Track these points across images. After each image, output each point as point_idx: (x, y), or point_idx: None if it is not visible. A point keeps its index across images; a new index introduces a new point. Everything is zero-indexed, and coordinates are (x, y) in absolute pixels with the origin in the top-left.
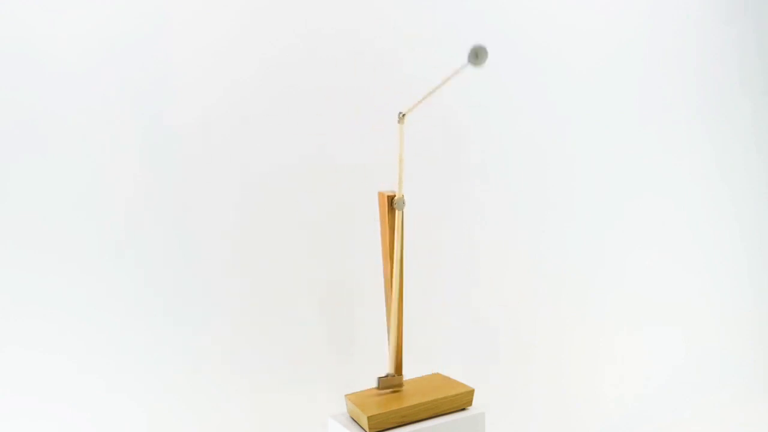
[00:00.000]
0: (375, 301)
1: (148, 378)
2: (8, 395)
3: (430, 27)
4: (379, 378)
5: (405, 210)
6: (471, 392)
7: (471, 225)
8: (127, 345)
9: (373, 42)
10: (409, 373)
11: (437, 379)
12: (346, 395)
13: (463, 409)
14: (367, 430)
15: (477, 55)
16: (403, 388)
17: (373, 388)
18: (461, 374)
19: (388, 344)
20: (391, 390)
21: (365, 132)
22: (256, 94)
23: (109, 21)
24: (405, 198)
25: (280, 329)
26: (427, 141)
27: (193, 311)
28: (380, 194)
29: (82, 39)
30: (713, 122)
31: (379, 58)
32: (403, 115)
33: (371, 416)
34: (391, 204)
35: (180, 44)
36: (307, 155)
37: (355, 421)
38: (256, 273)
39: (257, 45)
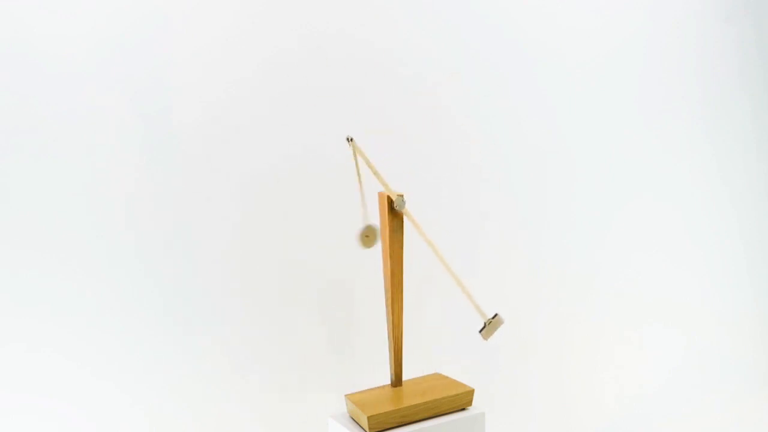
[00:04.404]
0: (375, 301)
1: (147, 378)
2: (8, 394)
3: (430, 27)
4: (481, 328)
5: (406, 208)
6: (471, 392)
7: (471, 225)
8: (127, 345)
9: (373, 42)
10: (409, 373)
11: (437, 379)
12: (346, 395)
13: (463, 409)
14: (367, 430)
15: (368, 236)
16: (403, 388)
17: (373, 388)
18: (461, 374)
19: (389, 344)
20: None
21: (365, 132)
22: (256, 93)
23: (109, 21)
24: (404, 198)
25: (280, 329)
26: (427, 141)
27: (193, 311)
28: (380, 194)
29: (82, 39)
30: (713, 122)
31: (378, 58)
32: (351, 139)
33: (371, 416)
34: (391, 204)
35: (180, 44)
36: (307, 155)
37: (355, 421)
38: (256, 273)
39: (257, 45)
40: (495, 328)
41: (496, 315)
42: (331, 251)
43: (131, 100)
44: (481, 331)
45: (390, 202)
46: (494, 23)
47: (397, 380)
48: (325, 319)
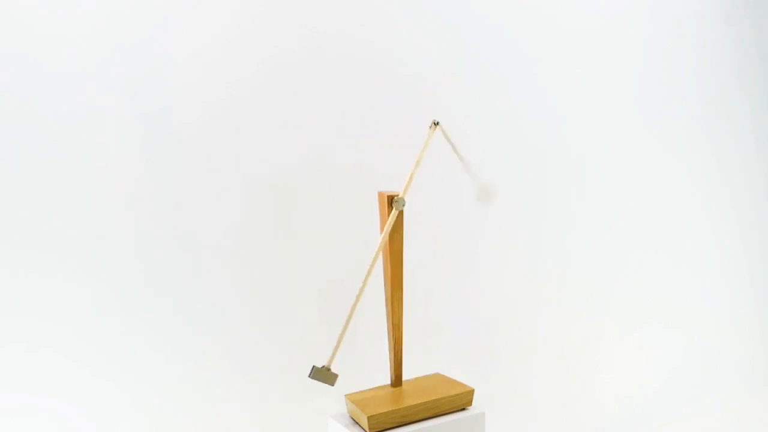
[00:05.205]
0: (375, 301)
1: (147, 378)
2: (8, 394)
3: (430, 27)
4: (314, 367)
5: (405, 210)
6: (471, 392)
7: (471, 225)
8: (127, 345)
9: (373, 42)
10: (409, 373)
11: (437, 379)
12: (346, 395)
13: (463, 409)
14: (367, 430)
15: (488, 196)
16: (403, 387)
17: (373, 388)
18: (461, 374)
19: (389, 344)
20: (321, 379)
21: (365, 132)
22: (256, 93)
23: (109, 21)
24: (405, 198)
25: (280, 329)
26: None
27: (193, 311)
28: (380, 194)
29: (82, 39)
30: (713, 122)
31: (378, 58)
32: (437, 123)
33: (371, 416)
34: (391, 204)
35: (180, 44)
36: (307, 155)
37: (355, 421)
38: (256, 273)
39: (257, 45)
40: (323, 380)
41: (334, 374)
42: (331, 251)
43: (131, 100)
44: (315, 368)
45: (390, 201)
46: (494, 23)
47: (397, 380)
48: (325, 319)
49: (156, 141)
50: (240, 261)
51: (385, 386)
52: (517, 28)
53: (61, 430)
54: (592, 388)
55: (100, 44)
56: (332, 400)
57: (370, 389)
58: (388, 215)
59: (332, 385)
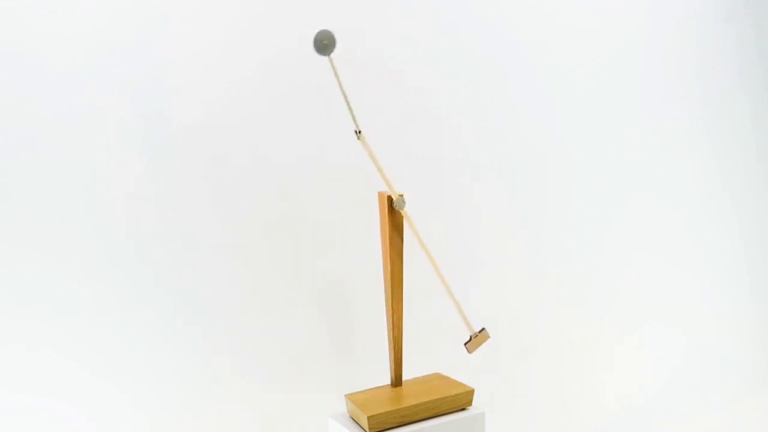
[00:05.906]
0: (375, 301)
1: (147, 378)
2: (8, 394)
3: (430, 27)
4: (465, 344)
5: (405, 209)
6: (471, 392)
7: (471, 225)
8: (127, 345)
9: (373, 42)
10: (409, 373)
11: (437, 379)
12: (346, 395)
13: (463, 409)
14: (367, 430)
15: (323, 44)
16: (403, 388)
17: (373, 388)
18: (461, 374)
19: (389, 344)
20: (479, 344)
21: (365, 132)
22: (256, 93)
23: (109, 21)
24: (404, 198)
25: (280, 329)
26: (427, 140)
27: (193, 311)
28: (380, 194)
29: (82, 39)
30: (713, 122)
31: (378, 57)
32: (359, 132)
33: (371, 416)
34: (391, 204)
35: (180, 44)
36: (307, 155)
37: (355, 421)
38: (256, 273)
39: (257, 45)
40: (481, 343)
41: (483, 329)
42: (331, 251)
43: (131, 100)
44: (466, 343)
45: (390, 201)
46: (494, 23)
47: (397, 380)
48: (325, 319)
49: (156, 141)
50: (240, 261)
51: (385, 386)
52: (517, 28)
53: (61, 430)
54: (592, 388)
55: (100, 44)
56: (332, 400)
57: (370, 389)
58: (388, 215)
59: (489, 337)
